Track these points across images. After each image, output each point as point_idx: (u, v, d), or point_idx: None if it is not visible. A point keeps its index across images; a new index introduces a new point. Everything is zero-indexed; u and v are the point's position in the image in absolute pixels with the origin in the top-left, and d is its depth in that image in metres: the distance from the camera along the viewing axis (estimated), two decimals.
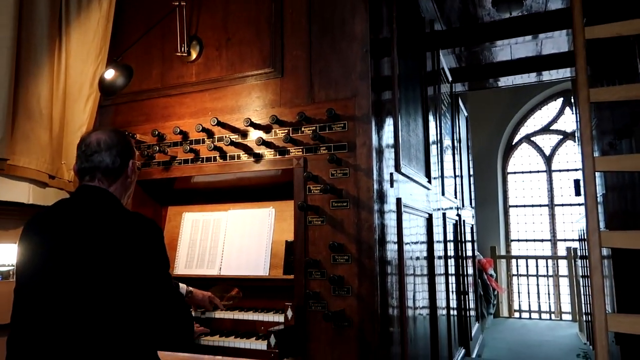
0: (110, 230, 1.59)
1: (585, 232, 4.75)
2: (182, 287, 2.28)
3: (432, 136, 3.51)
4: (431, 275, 3.20)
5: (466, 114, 5.93)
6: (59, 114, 2.54)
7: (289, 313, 2.11)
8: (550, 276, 7.61)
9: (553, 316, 7.46)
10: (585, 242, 4.86)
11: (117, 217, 1.64)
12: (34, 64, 2.39)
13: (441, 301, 3.43)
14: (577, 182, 5.22)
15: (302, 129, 2.25)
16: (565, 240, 8.00)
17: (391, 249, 2.30)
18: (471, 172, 6.07)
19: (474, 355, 4.66)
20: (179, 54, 2.57)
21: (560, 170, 8.26)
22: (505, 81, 5.31)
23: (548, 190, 8.27)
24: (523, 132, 8.55)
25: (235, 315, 2.29)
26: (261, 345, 2.05)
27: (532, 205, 8.36)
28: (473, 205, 6.05)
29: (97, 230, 1.58)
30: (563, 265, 7.47)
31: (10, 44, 2.22)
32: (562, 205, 8.17)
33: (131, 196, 1.90)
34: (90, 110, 2.64)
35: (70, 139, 2.60)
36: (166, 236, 2.72)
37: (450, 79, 4.76)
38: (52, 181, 2.50)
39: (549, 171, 8.32)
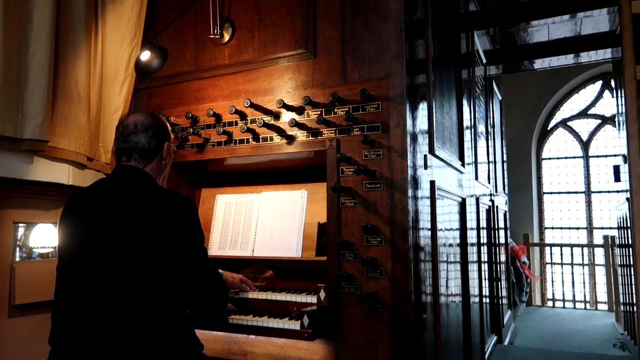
0: (146, 207, 1.62)
1: (626, 218, 4.59)
2: None
3: (466, 121, 3.44)
4: (464, 263, 3.15)
5: (500, 98, 5.79)
6: (96, 97, 2.59)
7: (322, 294, 2.11)
8: (586, 265, 7.42)
9: (588, 305, 7.29)
10: (625, 230, 4.71)
11: (152, 194, 1.67)
12: (71, 47, 2.43)
13: (474, 289, 3.38)
14: (616, 167, 5.04)
15: (335, 110, 2.23)
16: (602, 228, 7.78)
17: (424, 235, 2.27)
18: (505, 158, 5.94)
19: (506, 343, 4.60)
20: (212, 37, 2.57)
21: (598, 156, 8.01)
22: (541, 63, 5.15)
23: (585, 177, 8.04)
24: (559, 116, 8.31)
25: (268, 296, 2.30)
26: (294, 325, 2.06)
27: (568, 192, 8.15)
28: (506, 191, 5.93)
29: (133, 208, 1.62)
30: (599, 253, 7.28)
31: (49, 27, 2.26)
32: (600, 192, 7.93)
33: (166, 178, 1.93)
34: (125, 94, 2.68)
35: (106, 122, 2.65)
36: (200, 217, 2.75)
37: (484, 61, 4.64)
38: (90, 163, 2.56)
39: (586, 157, 8.08)
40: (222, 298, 1.79)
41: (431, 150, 2.41)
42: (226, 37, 2.59)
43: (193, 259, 1.65)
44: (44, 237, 2.61)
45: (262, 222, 2.53)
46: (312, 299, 2.18)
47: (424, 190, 2.30)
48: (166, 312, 1.60)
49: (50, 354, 1.62)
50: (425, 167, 2.32)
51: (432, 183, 2.40)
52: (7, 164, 2.19)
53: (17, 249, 2.46)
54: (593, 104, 8.12)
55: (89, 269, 1.59)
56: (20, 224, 2.48)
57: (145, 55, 2.43)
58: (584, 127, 8.19)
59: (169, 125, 1.88)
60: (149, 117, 1.79)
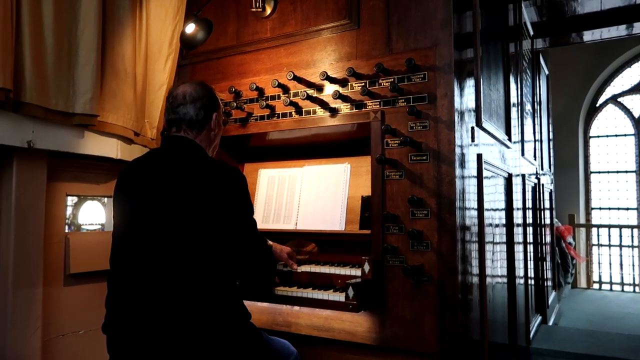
0: (195, 177, 1.64)
1: None
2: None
3: (513, 97, 3.31)
4: (510, 243, 3.07)
5: (547, 73, 5.56)
6: (141, 74, 2.63)
7: (366, 267, 2.10)
8: (635, 247, 7.14)
9: (637, 289, 7.03)
10: None
11: (201, 165, 1.69)
12: (117, 24, 2.47)
13: (519, 270, 3.30)
14: None
15: (380, 81, 2.19)
16: None
17: (470, 215, 2.21)
18: (551, 136, 5.73)
19: (550, 324, 4.50)
20: (254, 10, 2.56)
21: None
22: (590, 35, 4.88)
23: (636, 155, 7.67)
24: (609, 92, 7.91)
25: (312, 269, 2.31)
26: (339, 297, 2.07)
27: (617, 172, 7.80)
28: (552, 170, 5.74)
29: (182, 178, 1.64)
30: None
31: (96, 3, 2.30)
32: None
33: (216, 149, 1.94)
34: (169, 69, 2.71)
35: (151, 98, 2.69)
36: None
37: (531, 33, 4.45)
38: (137, 138, 2.60)
39: (638, 134, 7.70)
40: (271, 269, 1.81)
41: (478, 123, 2.33)
42: (268, 10, 2.57)
43: (243, 230, 1.67)
44: (92, 214, 2.69)
45: (305, 196, 2.53)
46: (356, 272, 2.18)
47: (471, 164, 2.24)
48: (215, 281, 1.63)
49: (106, 316, 1.69)
50: (473, 139, 2.26)
51: (479, 156, 2.34)
52: (60, 138, 2.26)
53: (66, 227, 2.54)
54: None
55: (140, 237, 1.63)
56: (70, 198, 2.56)
57: (190, 28, 2.44)
58: (636, 103, 7.78)
59: (218, 97, 1.88)
60: (198, 88, 1.81)
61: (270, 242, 2.34)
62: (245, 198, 1.71)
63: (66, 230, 2.54)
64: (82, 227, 2.67)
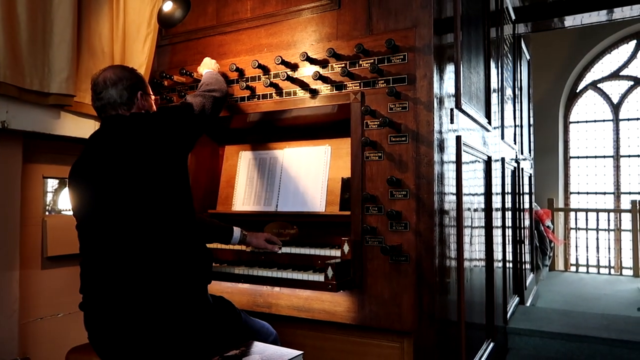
0: (130, 145, 1.68)
1: None
2: (237, 230, 2.32)
3: (494, 82, 3.33)
4: (488, 227, 3.11)
5: (528, 58, 5.60)
6: (119, 54, 2.58)
7: (346, 248, 2.12)
8: (612, 230, 7.31)
9: (612, 271, 7.21)
10: None
11: (132, 130, 1.72)
12: (94, 1, 2.42)
13: (498, 253, 3.35)
14: None
15: (360, 62, 2.19)
16: (630, 193, 7.62)
17: (449, 200, 2.24)
18: (531, 121, 5.79)
19: (528, 305, 4.60)
20: None
21: (629, 119, 7.77)
22: (572, 21, 4.92)
23: (614, 141, 7.82)
24: (589, 78, 8.01)
25: (292, 250, 2.33)
26: (318, 277, 2.08)
27: (595, 157, 7.94)
28: (532, 155, 5.82)
29: (121, 153, 1.67)
30: (626, 219, 7.15)
31: None
32: (629, 156, 7.72)
33: None
34: (148, 50, 2.66)
35: None
36: (224, 174, 2.78)
37: (513, 18, 4.47)
38: None
39: (616, 120, 7.83)
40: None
41: (458, 105, 2.35)
42: None
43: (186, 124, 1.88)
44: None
45: (286, 178, 2.53)
46: (336, 253, 2.20)
47: (450, 148, 2.26)
48: (179, 252, 1.67)
49: (82, 302, 1.69)
50: (452, 120, 2.28)
51: (458, 138, 2.36)
52: (36, 119, 2.22)
53: (47, 212, 2.51)
54: (626, 64, 7.81)
55: (100, 223, 1.66)
56: (50, 185, 2.53)
57: (168, 6, 2.40)
58: (615, 89, 7.91)
59: (142, 76, 1.92)
60: (117, 71, 1.82)
61: (245, 232, 2.33)
62: (171, 110, 1.86)
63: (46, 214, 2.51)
64: (62, 212, 2.64)
